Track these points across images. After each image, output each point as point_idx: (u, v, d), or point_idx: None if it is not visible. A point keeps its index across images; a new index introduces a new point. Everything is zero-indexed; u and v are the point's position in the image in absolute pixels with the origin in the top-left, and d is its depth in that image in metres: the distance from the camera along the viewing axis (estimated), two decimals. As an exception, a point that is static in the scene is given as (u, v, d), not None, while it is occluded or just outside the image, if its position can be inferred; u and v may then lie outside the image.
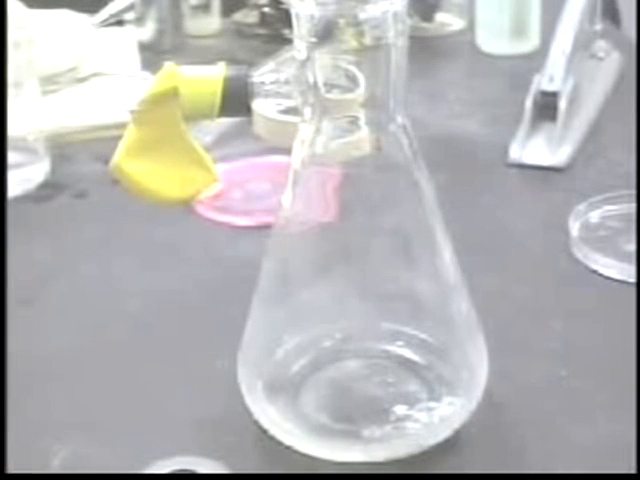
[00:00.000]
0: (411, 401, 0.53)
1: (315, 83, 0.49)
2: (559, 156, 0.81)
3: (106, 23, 1.07)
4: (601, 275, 0.67)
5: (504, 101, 0.92)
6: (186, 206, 0.72)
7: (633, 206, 0.72)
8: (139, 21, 1.09)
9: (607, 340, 0.60)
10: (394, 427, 0.52)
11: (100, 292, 0.68)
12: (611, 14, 0.95)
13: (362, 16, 0.47)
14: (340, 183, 0.52)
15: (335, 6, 0.47)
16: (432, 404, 0.53)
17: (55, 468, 0.53)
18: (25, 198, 0.80)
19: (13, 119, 0.79)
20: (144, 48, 1.06)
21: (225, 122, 0.83)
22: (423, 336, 0.55)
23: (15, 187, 0.79)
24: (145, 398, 0.58)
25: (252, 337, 0.55)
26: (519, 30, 1.02)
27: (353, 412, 0.53)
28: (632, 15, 1.13)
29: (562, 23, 0.86)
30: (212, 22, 1.14)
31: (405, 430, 0.52)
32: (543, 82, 0.82)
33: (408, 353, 0.56)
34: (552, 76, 0.82)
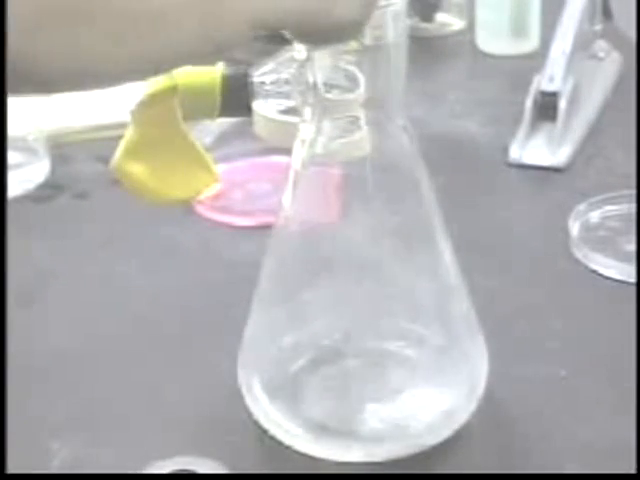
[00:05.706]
0: (411, 400, 0.53)
1: (315, 83, 0.49)
2: (559, 156, 0.81)
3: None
4: (601, 275, 0.66)
5: (504, 101, 0.92)
6: (186, 206, 0.72)
7: (633, 206, 0.72)
8: (139, 21, 1.09)
9: (607, 340, 0.60)
10: (394, 427, 0.52)
11: (100, 292, 0.68)
12: (603, 7, 0.95)
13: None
14: (340, 183, 0.52)
15: (335, 6, 0.47)
16: (432, 403, 0.53)
17: (55, 468, 0.53)
18: (25, 198, 0.80)
19: (13, 119, 0.78)
20: (144, 48, 1.05)
21: (225, 122, 0.83)
22: (423, 336, 0.55)
23: (15, 187, 0.79)
24: (145, 398, 0.58)
25: (252, 337, 0.55)
26: (519, 30, 1.02)
27: (353, 412, 0.53)
28: (632, 15, 1.12)
29: (562, 23, 0.86)
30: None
31: (405, 430, 0.52)
32: (543, 82, 0.82)
33: (408, 352, 0.56)
34: (552, 76, 0.82)
